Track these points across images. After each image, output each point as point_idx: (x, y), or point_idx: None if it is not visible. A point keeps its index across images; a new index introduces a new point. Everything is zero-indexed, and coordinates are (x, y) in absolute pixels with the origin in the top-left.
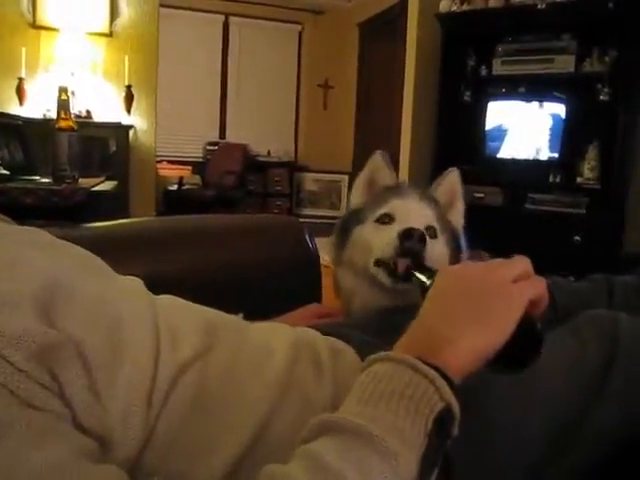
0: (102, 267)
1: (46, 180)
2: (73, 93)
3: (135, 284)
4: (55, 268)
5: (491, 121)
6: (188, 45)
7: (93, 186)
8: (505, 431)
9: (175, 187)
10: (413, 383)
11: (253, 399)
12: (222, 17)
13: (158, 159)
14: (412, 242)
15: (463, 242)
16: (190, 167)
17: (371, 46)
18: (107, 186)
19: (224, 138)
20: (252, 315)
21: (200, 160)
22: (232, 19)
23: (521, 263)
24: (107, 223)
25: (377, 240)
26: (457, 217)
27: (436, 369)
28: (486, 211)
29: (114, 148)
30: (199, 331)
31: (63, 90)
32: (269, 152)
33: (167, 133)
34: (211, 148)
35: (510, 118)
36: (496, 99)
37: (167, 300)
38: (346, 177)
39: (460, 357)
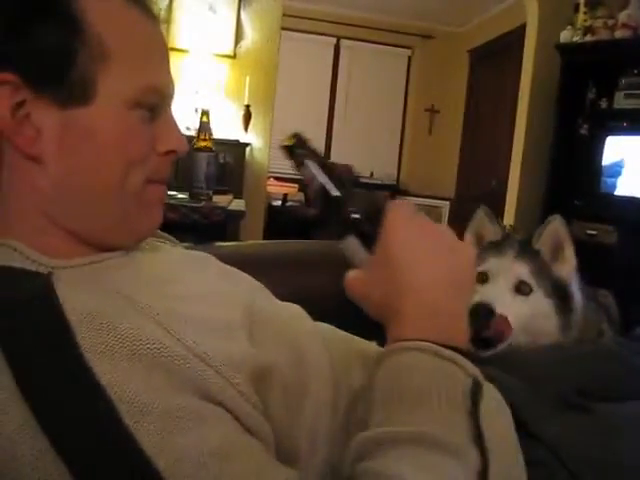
0: (267, 291)
1: (182, 196)
2: (197, 110)
3: (299, 310)
4: (244, 295)
5: (609, 156)
6: (301, 66)
7: (228, 204)
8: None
9: (279, 203)
10: (442, 370)
11: None
12: (334, 40)
13: (267, 176)
14: (476, 320)
15: (575, 291)
16: (296, 185)
17: (481, 73)
18: (237, 205)
19: (329, 158)
20: None
21: None
22: (343, 42)
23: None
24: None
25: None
26: (566, 267)
27: (452, 348)
28: (598, 249)
29: (230, 163)
30: (358, 361)
31: (205, 113)
32: (372, 174)
33: (275, 150)
34: None
35: (630, 154)
36: (616, 134)
37: (327, 327)
38: (447, 203)
39: (463, 326)
